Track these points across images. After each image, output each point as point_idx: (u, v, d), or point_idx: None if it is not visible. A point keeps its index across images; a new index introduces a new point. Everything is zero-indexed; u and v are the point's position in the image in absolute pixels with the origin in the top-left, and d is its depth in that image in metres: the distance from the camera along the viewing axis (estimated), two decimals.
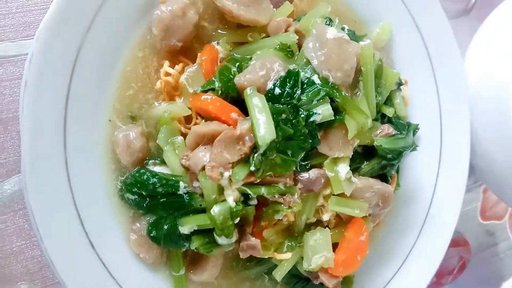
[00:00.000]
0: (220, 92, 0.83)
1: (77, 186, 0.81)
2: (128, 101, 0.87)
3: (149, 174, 0.83)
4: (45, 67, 0.77)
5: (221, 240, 0.81)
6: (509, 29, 1.19)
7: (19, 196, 0.93)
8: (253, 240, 0.83)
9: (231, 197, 0.79)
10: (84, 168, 0.82)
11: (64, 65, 0.79)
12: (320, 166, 0.89)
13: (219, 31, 0.94)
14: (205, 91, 0.84)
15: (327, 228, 0.93)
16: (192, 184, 0.82)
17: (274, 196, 0.83)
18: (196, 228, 0.82)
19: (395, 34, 1.11)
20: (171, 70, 0.88)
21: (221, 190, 0.80)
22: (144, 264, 0.88)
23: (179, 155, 0.84)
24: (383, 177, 1.01)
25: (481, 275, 1.49)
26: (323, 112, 0.83)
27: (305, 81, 0.84)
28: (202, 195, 0.82)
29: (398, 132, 0.97)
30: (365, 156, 0.97)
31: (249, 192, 0.80)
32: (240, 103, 0.84)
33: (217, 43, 0.92)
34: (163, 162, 0.87)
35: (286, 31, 0.89)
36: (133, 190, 0.84)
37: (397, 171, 1.07)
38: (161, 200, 0.83)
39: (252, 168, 0.78)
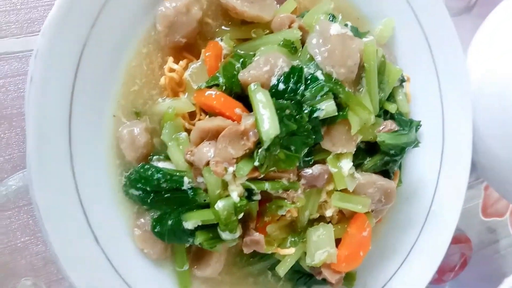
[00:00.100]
0: (224, 87, 0.84)
1: (82, 181, 0.81)
2: (132, 97, 0.88)
3: (153, 169, 0.84)
4: (50, 63, 0.77)
5: (225, 235, 0.82)
6: (511, 26, 1.19)
7: (24, 192, 0.93)
8: (257, 235, 0.84)
9: (235, 192, 0.79)
10: (89, 163, 0.82)
11: (69, 61, 0.79)
12: (323, 162, 0.89)
13: (222, 27, 0.94)
14: (210, 87, 0.85)
15: (330, 223, 0.93)
16: (196, 179, 0.82)
17: (278, 192, 0.83)
18: (200, 224, 0.82)
19: (398, 31, 1.12)
20: (175, 66, 0.88)
21: (225, 185, 0.80)
22: (148, 259, 0.88)
23: (183, 151, 0.85)
24: (386, 173, 1.01)
25: (482, 272, 1.49)
26: (326, 108, 0.83)
27: (309, 77, 0.85)
28: (206, 190, 0.82)
29: (401, 128, 0.97)
30: (368, 152, 0.98)
31: (253, 187, 0.80)
32: (244, 99, 0.84)
33: (221, 39, 0.92)
34: (167, 158, 0.87)
35: (289, 27, 0.89)
36: (138, 185, 0.84)
37: (400, 168, 1.07)
38: (165, 195, 0.84)
39: (256, 164, 0.78)
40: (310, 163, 0.88)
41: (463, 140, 1.16)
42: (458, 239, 1.44)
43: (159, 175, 0.83)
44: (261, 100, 0.79)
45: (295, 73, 0.83)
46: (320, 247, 0.89)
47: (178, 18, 0.86)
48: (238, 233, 0.82)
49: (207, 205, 0.83)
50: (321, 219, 0.95)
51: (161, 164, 0.86)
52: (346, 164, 0.89)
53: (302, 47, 0.90)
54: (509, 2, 1.24)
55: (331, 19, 0.93)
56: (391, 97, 1.04)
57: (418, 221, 1.14)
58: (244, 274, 0.98)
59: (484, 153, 1.22)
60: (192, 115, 0.90)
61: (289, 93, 0.83)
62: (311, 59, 0.87)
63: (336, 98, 0.85)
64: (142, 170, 0.84)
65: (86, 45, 0.81)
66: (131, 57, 0.88)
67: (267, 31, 0.92)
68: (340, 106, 0.86)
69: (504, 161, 1.19)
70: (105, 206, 0.84)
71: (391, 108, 0.99)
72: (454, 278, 1.44)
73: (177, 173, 0.83)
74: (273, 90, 0.82)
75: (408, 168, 1.14)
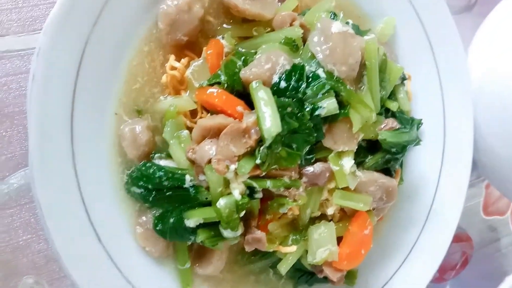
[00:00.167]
0: (226, 85, 0.83)
1: (84, 179, 0.81)
2: (134, 95, 0.88)
3: (155, 167, 0.84)
4: (52, 61, 0.77)
5: (226, 233, 0.82)
6: None
7: (26, 190, 0.93)
8: (259, 233, 0.84)
9: (237, 190, 0.79)
10: (90, 161, 0.82)
11: (71, 59, 0.79)
12: (324, 160, 0.89)
13: (224, 25, 0.94)
14: (211, 85, 0.85)
15: (331, 222, 0.94)
16: (198, 177, 0.82)
17: (279, 190, 0.83)
18: (201, 222, 0.82)
19: (399, 29, 1.11)
20: (177, 64, 0.88)
21: (227, 183, 0.80)
22: (150, 257, 0.88)
23: (184, 149, 0.85)
24: (387, 172, 1.01)
25: (483, 270, 1.49)
26: (328, 105, 0.83)
27: (310, 75, 0.85)
28: (208, 188, 0.82)
29: (402, 126, 0.98)
30: (369, 150, 0.98)
31: (255, 185, 0.80)
32: (245, 97, 0.84)
33: (222, 37, 0.92)
34: (168, 156, 0.87)
35: (291, 25, 0.89)
36: (139, 183, 0.84)
37: (401, 166, 1.07)
38: (167, 193, 0.84)
39: (258, 161, 0.78)
40: (312, 161, 0.88)
41: (464, 139, 1.16)
42: (459, 238, 1.44)
43: (161, 173, 0.83)
44: (263, 98, 0.79)
45: (296, 71, 0.84)
46: (322, 245, 0.90)
47: (179, 16, 0.86)
48: (240, 231, 0.82)
49: (208, 203, 0.83)
50: (323, 217, 0.95)
51: (163, 162, 0.86)
52: (348, 162, 0.89)
53: (304, 45, 0.90)
54: (509, 0, 1.24)
55: (332, 17, 0.93)
56: (392, 95, 1.04)
57: (419, 220, 1.14)
58: (246, 272, 0.98)
59: (485, 152, 1.22)
60: (193, 113, 0.90)
61: (291, 91, 0.83)
62: (313, 57, 0.87)
63: (337, 96, 0.85)
64: (143, 168, 0.84)
65: (88, 43, 0.81)
66: (132, 55, 0.88)
67: (269, 29, 0.92)
68: (341, 104, 0.86)
69: (505, 159, 1.19)
70: (107, 204, 0.85)
71: (393, 106, 0.99)
72: (455, 277, 1.44)
73: (179, 171, 0.83)
74: (275, 88, 0.82)
75: (409, 166, 1.14)
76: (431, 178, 1.15)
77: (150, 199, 0.85)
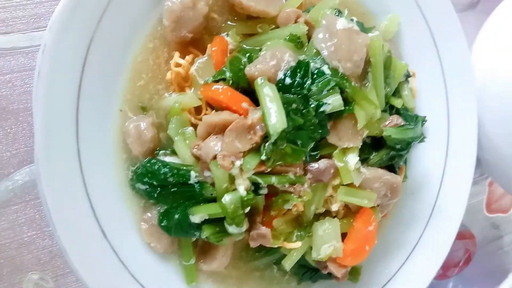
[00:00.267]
0: (231, 82, 0.84)
1: (89, 175, 0.81)
2: (139, 91, 0.88)
3: (160, 164, 0.84)
4: (58, 58, 0.77)
5: (231, 229, 0.82)
6: None
7: (30, 186, 0.94)
8: (263, 229, 0.84)
9: (242, 186, 0.80)
10: (96, 157, 0.83)
11: (76, 56, 0.79)
12: (329, 156, 0.89)
13: (228, 22, 0.95)
14: (216, 81, 0.85)
15: (335, 218, 0.94)
16: (203, 173, 0.82)
17: (284, 186, 0.83)
18: (206, 217, 0.83)
19: (403, 27, 1.11)
20: (181, 61, 0.88)
21: (232, 179, 0.80)
22: (155, 253, 0.88)
23: (189, 145, 0.85)
24: (391, 168, 1.01)
25: (486, 267, 1.49)
26: (333, 102, 0.83)
27: (315, 72, 0.85)
28: (213, 184, 0.82)
29: (407, 123, 0.98)
30: (373, 147, 0.98)
31: (260, 181, 0.81)
32: (250, 93, 0.84)
33: (227, 34, 0.92)
34: (173, 153, 0.87)
35: (295, 22, 0.89)
36: (144, 180, 0.84)
37: (405, 163, 1.07)
38: (172, 189, 0.84)
39: (263, 157, 0.78)
40: (317, 157, 0.88)
41: (468, 136, 1.16)
42: (463, 235, 1.44)
43: (166, 169, 0.83)
44: (268, 94, 0.79)
45: (301, 68, 0.84)
46: (326, 241, 0.90)
47: (184, 13, 0.86)
48: (245, 227, 0.83)
49: (213, 199, 0.83)
50: (327, 213, 0.95)
51: (168, 159, 0.86)
52: (352, 159, 0.89)
53: (308, 42, 0.90)
54: None
55: (337, 14, 0.93)
56: (396, 93, 1.04)
57: (423, 217, 1.14)
58: (250, 268, 0.98)
59: (489, 149, 1.22)
60: (198, 110, 0.90)
61: (296, 88, 0.83)
62: (318, 53, 0.87)
63: (342, 92, 0.85)
64: (148, 164, 0.84)
65: (93, 40, 0.81)
66: (137, 52, 0.88)
67: (273, 26, 0.92)
68: (346, 101, 0.86)
69: (509, 156, 1.19)
70: (112, 200, 0.85)
71: (397, 103, 0.99)
72: (458, 274, 1.44)
73: (184, 167, 0.84)
74: (280, 85, 0.82)
75: (413, 163, 1.14)
76: (435, 175, 1.15)
77: (155, 195, 0.85)
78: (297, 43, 0.87)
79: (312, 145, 0.85)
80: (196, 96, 0.88)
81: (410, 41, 1.13)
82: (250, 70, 0.83)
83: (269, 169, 0.81)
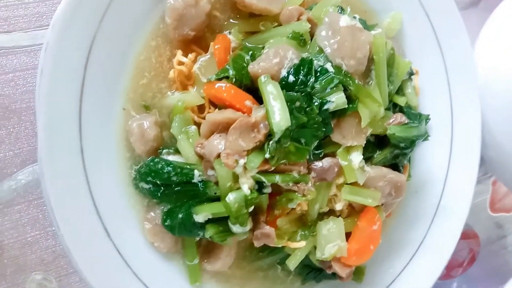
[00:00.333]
0: (234, 80, 0.83)
1: (93, 174, 0.81)
2: (141, 90, 0.88)
3: (163, 163, 0.83)
4: (60, 56, 0.77)
5: (235, 228, 0.81)
6: None
7: (33, 186, 0.93)
8: (267, 229, 0.83)
9: (246, 185, 0.79)
10: (99, 156, 0.82)
11: (79, 54, 0.79)
12: (333, 155, 0.89)
13: (231, 20, 0.94)
14: (219, 79, 0.84)
15: (340, 217, 0.93)
16: (206, 172, 0.82)
17: (288, 184, 0.83)
18: (210, 217, 0.82)
19: (406, 24, 1.11)
20: (184, 59, 0.88)
21: (235, 178, 0.80)
22: (159, 253, 0.88)
23: (193, 144, 0.84)
24: (395, 167, 1.01)
25: (490, 267, 1.48)
26: (336, 100, 0.83)
27: (319, 69, 0.84)
28: (216, 183, 0.82)
29: (411, 121, 0.97)
30: (377, 145, 0.97)
31: (264, 180, 0.80)
32: (253, 91, 0.84)
33: (229, 32, 0.92)
34: (177, 151, 0.87)
35: (298, 19, 0.89)
36: (148, 179, 0.84)
37: (409, 161, 1.07)
38: (176, 189, 0.84)
39: (267, 156, 0.78)
40: (320, 156, 0.88)
41: (472, 134, 1.16)
42: (466, 235, 1.43)
43: (169, 168, 0.83)
44: (272, 92, 0.78)
45: (305, 65, 0.83)
46: (330, 241, 0.89)
47: (187, 11, 0.86)
48: (249, 226, 0.82)
49: (217, 198, 0.82)
50: (331, 212, 0.95)
51: (171, 158, 0.86)
52: (356, 157, 0.89)
53: (311, 39, 0.89)
54: None
55: (339, 11, 0.93)
56: (400, 90, 1.03)
57: (427, 216, 1.13)
58: (254, 268, 0.98)
59: (492, 147, 1.22)
60: (201, 109, 0.90)
61: (299, 85, 0.82)
62: (321, 51, 0.86)
63: (346, 90, 0.85)
64: (152, 163, 0.84)
65: (95, 38, 0.81)
66: (140, 50, 0.88)
67: (276, 24, 0.92)
68: (350, 99, 0.86)
69: None
70: (116, 200, 0.84)
71: (401, 101, 0.99)
72: (462, 274, 1.44)
73: (187, 166, 0.83)
74: (283, 82, 0.82)
75: (417, 162, 1.14)
76: (439, 174, 1.14)
77: (159, 194, 0.84)
78: (300, 40, 0.87)
79: (315, 143, 0.85)
80: (199, 94, 0.88)
81: (412, 39, 1.13)
82: (253, 68, 0.82)
83: (273, 168, 0.80)
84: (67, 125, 0.79)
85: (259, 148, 0.79)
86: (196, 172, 0.82)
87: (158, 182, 0.83)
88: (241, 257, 0.96)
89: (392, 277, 1.09)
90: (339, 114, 0.86)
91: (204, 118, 0.86)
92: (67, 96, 0.78)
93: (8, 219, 0.92)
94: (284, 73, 0.82)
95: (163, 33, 0.89)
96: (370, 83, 0.91)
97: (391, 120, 0.94)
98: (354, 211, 0.96)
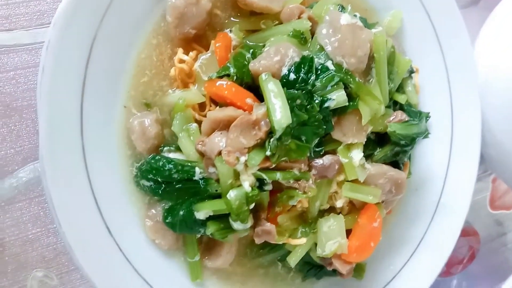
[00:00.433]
0: (235, 78, 0.83)
1: (94, 172, 0.81)
2: (142, 88, 0.88)
3: (164, 160, 0.84)
4: (61, 54, 0.77)
5: (236, 225, 0.82)
6: None
7: (35, 184, 0.94)
8: (268, 225, 0.84)
9: (247, 182, 0.80)
10: (100, 154, 0.82)
11: (80, 52, 0.79)
12: (333, 152, 0.89)
13: (231, 19, 0.94)
14: (220, 77, 0.84)
15: (340, 214, 0.93)
16: (207, 169, 0.82)
17: (289, 182, 0.83)
18: (211, 214, 0.83)
19: (406, 23, 1.11)
20: (185, 57, 0.88)
21: (236, 175, 0.80)
22: (160, 250, 0.88)
23: (194, 142, 0.85)
24: (396, 164, 1.01)
25: (490, 265, 1.49)
26: (337, 97, 0.83)
27: (319, 67, 0.84)
28: (217, 180, 0.82)
29: (411, 119, 0.97)
30: (378, 143, 0.98)
31: (265, 177, 0.80)
32: (254, 89, 0.84)
33: (230, 30, 0.92)
34: (178, 149, 0.87)
35: (299, 18, 0.89)
36: (149, 176, 0.84)
37: (409, 159, 1.07)
38: (177, 186, 0.84)
39: (268, 153, 0.78)
40: (321, 153, 0.88)
41: (472, 132, 1.16)
42: (466, 232, 1.44)
43: (171, 166, 0.83)
44: (273, 89, 0.79)
45: (305, 63, 0.83)
46: (331, 238, 0.89)
47: (188, 9, 0.86)
48: (250, 223, 0.82)
49: (218, 195, 0.83)
50: (332, 210, 0.95)
51: (172, 155, 0.86)
52: (357, 155, 0.89)
53: (312, 38, 0.89)
54: None
55: (340, 9, 0.93)
56: (400, 88, 1.04)
57: (427, 213, 1.14)
58: (255, 265, 0.98)
59: (492, 145, 1.22)
60: (202, 107, 0.90)
61: (300, 83, 0.83)
62: (321, 49, 0.87)
63: (346, 88, 0.85)
64: (153, 161, 0.84)
65: (96, 36, 0.81)
66: (141, 48, 0.88)
67: (276, 22, 0.92)
68: (350, 97, 0.86)
69: None
70: (117, 197, 0.85)
71: (401, 98, 0.99)
72: (462, 271, 1.44)
73: (189, 164, 0.83)
74: (284, 80, 0.82)
75: (417, 160, 1.14)
76: (439, 172, 1.14)
77: (160, 192, 0.85)
78: (301, 38, 0.87)
79: (316, 141, 0.85)
80: (200, 92, 0.88)
81: (413, 37, 1.13)
82: (254, 65, 0.82)
83: (273, 165, 0.80)
84: (68, 123, 0.79)
85: (260, 145, 0.79)
86: (197, 170, 0.83)
87: (159, 179, 0.84)
88: (242, 254, 0.96)
89: (393, 274, 1.09)
90: (339, 111, 0.86)
91: (205, 116, 0.87)
92: (68, 94, 0.79)
93: (9, 216, 0.92)
94: (285, 71, 0.83)
95: (164, 31, 0.89)
96: (370, 81, 0.91)
97: (391, 118, 0.95)
98: (354, 208, 0.97)
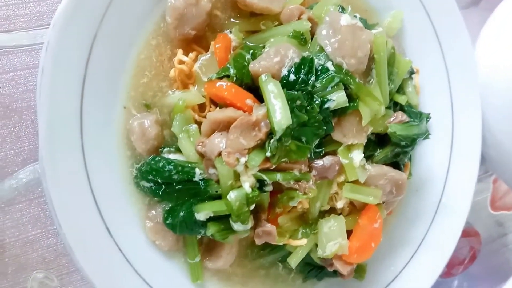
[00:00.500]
0: (235, 78, 0.83)
1: (94, 173, 0.81)
2: (142, 89, 0.88)
3: (164, 161, 0.83)
4: (61, 55, 0.77)
5: (236, 226, 0.82)
6: None
7: (34, 185, 0.94)
8: (269, 226, 0.84)
9: (247, 183, 0.79)
10: (100, 155, 0.82)
11: (80, 53, 0.79)
12: (334, 153, 0.89)
13: (231, 19, 0.94)
14: (220, 78, 0.84)
15: (341, 215, 0.93)
16: (207, 170, 0.82)
17: (290, 183, 0.83)
18: (212, 215, 0.82)
19: (406, 23, 1.11)
20: (185, 58, 0.88)
21: (237, 176, 0.80)
22: (160, 251, 0.88)
23: (194, 143, 0.85)
24: (396, 165, 1.01)
25: (491, 265, 1.49)
26: (337, 98, 0.83)
27: (319, 68, 0.84)
28: (218, 181, 0.82)
29: (412, 120, 0.97)
30: (378, 144, 0.98)
31: (265, 178, 0.80)
32: (254, 90, 0.84)
33: (230, 31, 0.92)
34: (177, 150, 0.87)
35: (299, 18, 0.89)
36: (149, 177, 0.84)
37: (410, 160, 1.07)
38: (177, 187, 0.84)
39: (268, 154, 0.78)
40: (321, 154, 0.88)
41: (472, 133, 1.16)
42: (467, 233, 1.43)
43: (170, 167, 0.83)
44: (273, 90, 0.78)
45: (305, 64, 0.83)
46: (332, 239, 0.89)
47: (187, 10, 0.86)
48: (250, 224, 0.82)
49: (219, 196, 0.83)
50: (332, 210, 0.95)
51: (172, 156, 0.86)
52: (357, 155, 0.89)
53: (312, 38, 0.89)
54: None
55: (340, 10, 0.93)
56: (400, 89, 1.04)
57: (427, 214, 1.14)
58: (255, 266, 0.98)
59: (493, 146, 1.22)
60: (202, 107, 0.90)
61: (300, 84, 0.82)
62: (321, 50, 0.87)
63: (346, 89, 0.85)
64: (153, 162, 0.84)
65: (96, 37, 0.81)
66: (140, 49, 0.88)
67: (276, 23, 0.92)
68: (350, 97, 0.86)
69: None
70: (117, 198, 0.85)
71: (401, 99, 0.99)
72: (463, 272, 1.44)
73: (188, 165, 0.83)
74: (284, 81, 0.82)
75: (418, 160, 1.14)
76: (439, 172, 1.14)
77: (160, 193, 0.85)
78: (301, 39, 0.87)
79: (316, 141, 0.85)
80: (200, 93, 0.88)
81: (413, 38, 1.13)
82: (254, 66, 0.82)
83: (274, 166, 0.80)
84: (68, 124, 0.79)
85: (260, 146, 0.79)
86: (197, 171, 0.83)
87: (159, 180, 0.84)
88: (243, 255, 0.96)
89: (393, 275, 1.09)
90: (340, 112, 0.86)
91: (205, 117, 0.87)
92: (68, 95, 0.79)
93: (9, 217, 0.92)
94: (285, 72, 0.82)
95: (163, 32, 0.89)
96: (370, 81, 0.91)
97: (392, 119, 0.95)
98: (355, 209, 0.97)
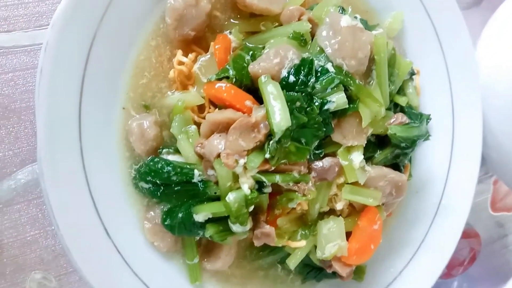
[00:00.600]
0: (234, 80, 0.83)
1: (92, 174, 0.81)
2: (141, 89, 0.88)
3: (163, 162, 0.83)
4: (60, 56, 0.77)
5: (235, 227, 0.81)
6: None
7: (33, 185, 0.93)
8: (268, 228, 0.83)
9: (246, 185, 0.79)
10: (99, 156, 0.82)
11: (79, 53, 0.79)
12: (333, 154, 0.89)
13: (231, 20, 0.94)
14: (220, 79, 0.84)
15: (340, 217, 0.93)
16: (206, 172, 0.82)
17: (289, 184, 0.83)
18: (210, 216, 0.82)
19: (407, 24, 1.11)
20: (184, 59, 0.88)
21: (236, 177, 0.80)
22: (159, 252, 0.88)
23: (192, 144, 0.84)
24: (396, 167, 1.01)
25: (491, 266, 1.48)
26: (337, 100, 0.82)
27: (319, 69, 0.84)
28: (216, 183, 0.82)
29: (412, 121, 0.97)
30: (378, 145, 0.97)
31: (264, 179, 0.80)
32: (253, 91, 0.83)
33: (230, 32, 0.91)
34: (176, 151, 0.87)
35: (299, 19, 0.89)
36: (147, 178, 0.84)
37: (410, 161, 1.06)
38: (176, 188, 0.84)
39: (267, 156, 0.78)
40: (321, 155, 0.88)
41: (473, 134, 1.16)
42: (467, 234, 1.43)
43: (169, 168, 0.82)
44: (272, 92, 0.78)
45: (305, 65, 0.83)
46: (331, 240, 0.89)
47: (187, 11, 0.86)
48: (249, 225, 0.82)
49: (217, 198, 0.82)
50: (331, 212, 0.95)
51: (171, 157, 0.86)
52: (357, 157, 0.89)
53: (312, 40, 0.89)
54: None
55: (340, 11, 0.92)
56: (400, 90, 1.03)
57: (427, 215, 1.13)
58: (254, 268, 0.98)
59: (493, 147, 1.22)
60: (201, 109, 0.90)
61: (300, 85, 0.82)
62: (321, 51, 0.86)
63: (346, 90, 0.85)
64: (151, 163, 0.84)
65: (95, 37, 0.81)
66: (140, 50, 0.88)
67: (276, 24, 0.92)
68: (350, 99, 0.86)
69: None
70: (115, 199, 0.85)
71: (402, 101, 0.99)
72: (463, 273, 1.44)
73: (187, 166, 0.83)
74: (284, 82, 0.82)
75: (418, 162, 1.13)
76: (439, 173, 1.14)
77: (159, 194, 0.84)
78: (301, 41, 0.86)
79: (316, 143, 0.85)
80: (199, 94, 0.88)
81: (414, 39, 1.12)
82: (253, 68, 0.82)
83: (273, 168, 0.80)
84: (66, 125, 0.79)
85: (259, 148, 0.79)
86: (196, 172, 0.82)
87: (158, 181, 0.83)
88: (241, 256, 0.96)
89: (393, 276, 1.09)
90: (339, 114, 0.86)
91: (204, 118, 0.86)
92: (67, 95, 0.78)
93: (8, 218, 0.92)
94: (284, 73, 0.82)
95: (163, 33, 0.89)
96: (371, 83, 0.91)
97: (392, 120, 0.94)
98: (354, 210, 0.96)
